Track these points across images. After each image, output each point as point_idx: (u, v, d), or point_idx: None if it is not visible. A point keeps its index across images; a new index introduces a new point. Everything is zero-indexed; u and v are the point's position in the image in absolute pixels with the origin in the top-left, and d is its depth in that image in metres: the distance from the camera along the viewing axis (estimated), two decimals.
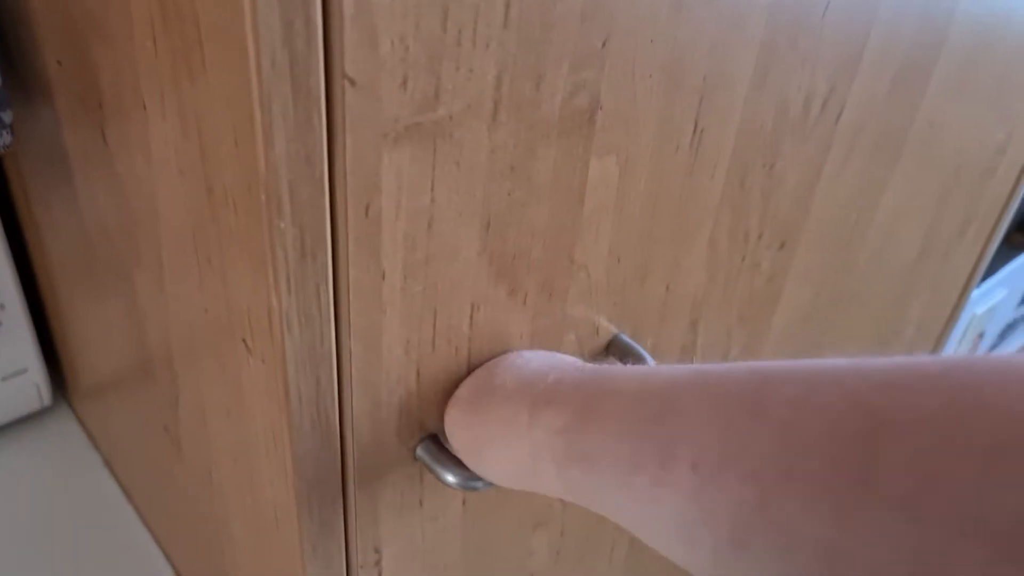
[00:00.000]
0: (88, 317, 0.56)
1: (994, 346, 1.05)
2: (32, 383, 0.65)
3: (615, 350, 0.46)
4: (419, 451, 0.39)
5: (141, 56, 0.32)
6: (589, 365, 0.36)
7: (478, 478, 0.38)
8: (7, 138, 0.45)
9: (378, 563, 0.42)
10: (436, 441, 0.39)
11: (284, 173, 0.28)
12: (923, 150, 0.60)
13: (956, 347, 0.93)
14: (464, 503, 0.44)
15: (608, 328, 0.45)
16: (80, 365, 0.63)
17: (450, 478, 0.38)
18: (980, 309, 0.92)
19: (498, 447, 0.35)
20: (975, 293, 0.89)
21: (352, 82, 0.27)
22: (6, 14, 0.43)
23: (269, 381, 0.33)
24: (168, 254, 0.37)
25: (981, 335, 0.98)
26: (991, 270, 0.91)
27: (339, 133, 0.28)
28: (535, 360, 0.38)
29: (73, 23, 0.37)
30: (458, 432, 0.38)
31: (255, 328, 0.32)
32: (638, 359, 0.45)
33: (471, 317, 0.37)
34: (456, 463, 0.38)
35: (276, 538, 0.40)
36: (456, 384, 0.39)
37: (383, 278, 0.33)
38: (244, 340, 0.34)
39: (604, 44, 0.34)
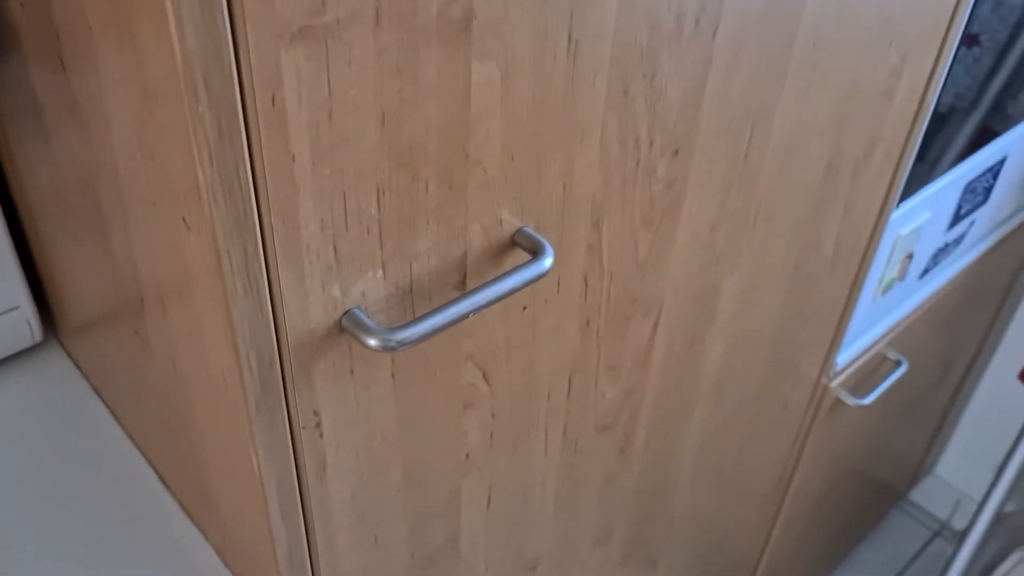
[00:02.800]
0: (69, 249, 0.63)
1: (927, 270, 1.12)
2: (23, 319, 0.72)
3: (520, 241, 0.53)
4: (344, 322, 0.46)
5: None
6: None
7: (397, 341, 0.45)
8: None
9: (318, 425, 0.49)
10: (359, 312, 0.46)
11: (198, 63, 0.35)
12: (810, 70, 0.67)
13: (884, 266, 1.00)
14: (393, 376, 0.52)
15: (511, 221, 0.52)
16: (66, 300, 0.70)
17: (372, 341, 0.45)
18: (904, 230, 0.99)
19: None
20: (896, 214, 0.96)
21: None
22: None
23: (205, 251, 0.40)
24: (121, 159, 0.45)
25: (910, 256, 1.05)
26: (911, 191, 0.98)
27: (241, 31, 0.35)
28: None
29: None
30: None
31: (190, 205, 0.39)
32: (540, 250, 0.52)
33: (378, 200, 0.44)
34: (376, 330, 0.46)
35: (227, 403, 0.47)
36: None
37: (293, 160, 0.40)
38: (183, 219, 0.41)
39: None
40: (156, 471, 0.68)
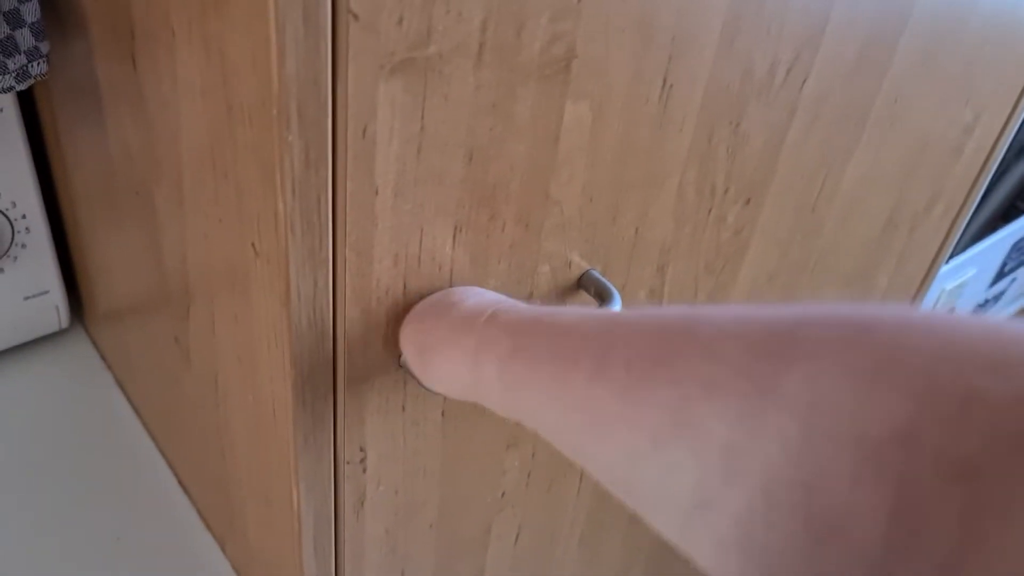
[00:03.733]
0: (108, 242, 0.61)
1: None
2: (52, 304, 0.70)
3: (587, 284, 0.50)
4: (403, 359, 0.44)
5: None
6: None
7: None
8: (43, 67, 0.50)
9: (363, 460, 0.47)
10: None
11: (294, 92, 0.32)
12: (888, 124, 0.65)
13: None
14: (443, 414, 0.49)
15: (580, 263, 0.50)
16: (98, 290, 0.68)
17: None
18: (949, 285, 0.97)
19: (446, 348, 0.39)
20: (944, 269, 0.94)
21: (356, 17, 0.32)
22: None
23: (273, 280, 0.38)
24: (188, 170, 0.42)
25: (952, 311, 1.02)
26: (961, 248, 0.95)
27: (342, 61, 0.33)
28: (492, 293, 0.43)
29: None
30: (411, 337, 0.41)
31: (263, 231, 0.37)
32: (608, 296, 0.50)
33: (454, 238, 0.42)
34: None
35: (273, 432, 0.45)
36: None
37: (376, 194, 0.37)
38: (253, 244, 0.38)
39: (580, 0, 0.38)
40: (175, 474, 0.66)
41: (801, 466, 0.23)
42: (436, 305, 0.41)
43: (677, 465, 0.27)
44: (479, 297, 0.41)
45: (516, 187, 0.43)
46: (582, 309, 0.35)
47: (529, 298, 0.49)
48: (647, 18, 0.42)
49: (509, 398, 0.36)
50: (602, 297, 0.50)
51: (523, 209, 0.44)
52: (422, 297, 0.43)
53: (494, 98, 0.38)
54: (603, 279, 0.50)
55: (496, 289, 0.46)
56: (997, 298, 1.14)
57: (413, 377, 0.43)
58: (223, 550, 0.62)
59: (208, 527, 0.63)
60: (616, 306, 0.49)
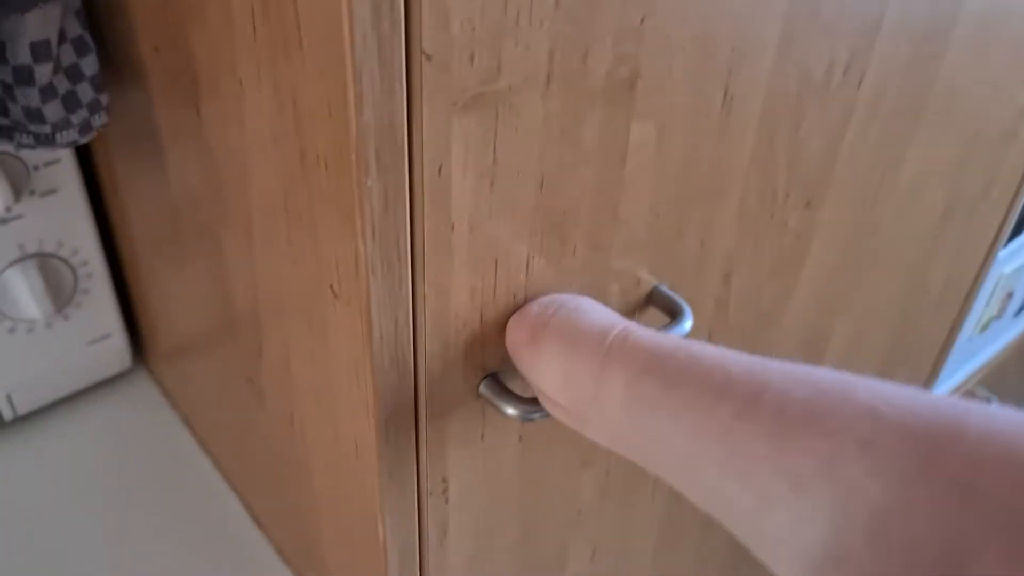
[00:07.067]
0: (171, 284, 0.61)
1: (1023, 307, 1.08)
2: (116, 347, 0.71)
3: (656, 300, 0.50)
4: (482, 388, 0.44)
5: (239, 39, 0.37)
6: None
7: (536, 410, 0.43)
8: (104, 118, 0.50)
9: (445, 491, 0.47)
10: (497, 379, 0.44)
11: (371, 137, 0.32)
12: (943, 114, 0.64)
13: (984, 306, 0.96)
14: (521, 439, 0.49)
15: (648, 280, 0.49)
16: (159, 330, 0.69)
17: (510, 411, 0.43)
18: (1008, 269, 0.95)
19: (568, 348, 0.38)
20: (1002, 253, 0.92)
21: (428, 57, 0.32)
22: (104, 7, 0.48)
23: (353, 322, 0.38)
24: (258, 215, 0.42)
25: (1010, 294, 1.01)
26: (1017, 231, 0.94)
27: (416, 102, 0.33)
28: (613, 312, 0.42)
29: (171, 13, 0.42)
30: (529, 321, 0.41)
31: (342, 274, 0.37)
32: (679, 311, 0.49)
33: (527, 266, 0.42)
34: (515, 399, 0.43)
35: (356, 468, 0.45)
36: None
37: (452, 230, 0.37)
38: (331, 286, 0.39)
39: (642, 21, 0.38)
40: (247, 507, 0.67)
41: (951, 542, 0.23)
42: (558, 303, 0.41)
43: (813, 516, 0.27)
44: (607, 311, 0.41)
45: (586, 210, 0.42)
46: (717, 348, 0.35)
47: None
48: (707, 32, 0.41)
49: (627, 420, 0.35)
50: (672, 313, 0.49)
51: (593, 231, 0.44)
52: (498, 326, 0.43)
53: (563, 125, 0.38)
54: (672, 294, 0.50)
55: None
56: None
57: (518, 364, 0.42)
58: None
59: (286, 561, 0.64)
60: (688, 322, 0.48)
